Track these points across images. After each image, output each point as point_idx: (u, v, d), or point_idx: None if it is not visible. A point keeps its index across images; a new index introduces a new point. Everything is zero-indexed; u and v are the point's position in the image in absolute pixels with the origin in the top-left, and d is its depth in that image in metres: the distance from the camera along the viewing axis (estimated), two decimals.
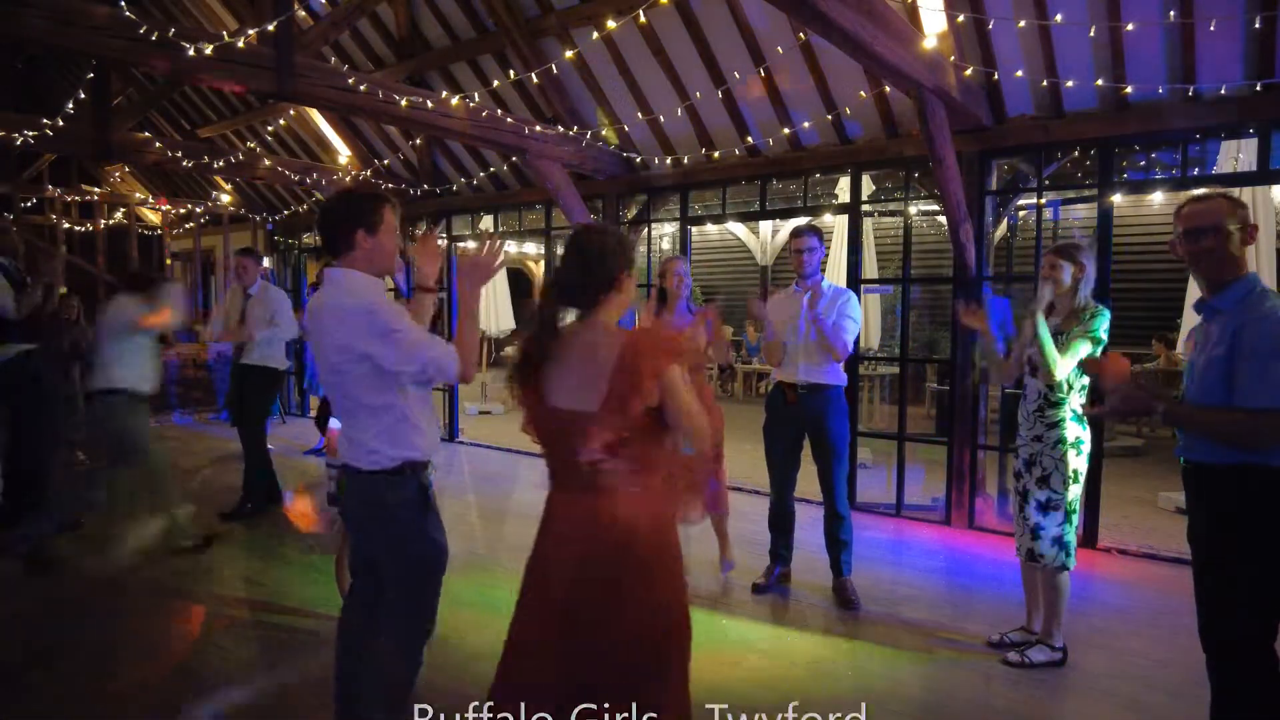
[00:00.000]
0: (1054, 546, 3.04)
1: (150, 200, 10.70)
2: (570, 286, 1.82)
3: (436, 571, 2.27)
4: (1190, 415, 2.11)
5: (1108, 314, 3.00)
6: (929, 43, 3.95)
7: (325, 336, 2.13)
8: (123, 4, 3.76)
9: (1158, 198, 8.74)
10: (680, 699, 1.81)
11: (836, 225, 8.71)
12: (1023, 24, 4.25)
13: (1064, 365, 2.94)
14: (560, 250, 1.89)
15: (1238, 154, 5.35)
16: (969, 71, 4.46)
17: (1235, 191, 2.53)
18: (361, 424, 2.16)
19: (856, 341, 4.21)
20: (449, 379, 2.15)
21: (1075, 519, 3.07)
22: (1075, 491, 3.03)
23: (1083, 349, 2.94)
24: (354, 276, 2.14)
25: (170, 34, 3.83)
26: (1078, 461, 3.01)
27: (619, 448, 1.72)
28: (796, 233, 3.84)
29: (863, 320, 3.95)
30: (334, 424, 3.28)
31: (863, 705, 2.85)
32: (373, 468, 2.16)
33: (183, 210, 10.76)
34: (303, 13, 5.43)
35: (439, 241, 2.41)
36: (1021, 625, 3.35)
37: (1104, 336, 2.96)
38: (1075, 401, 3.03)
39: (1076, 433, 3.01)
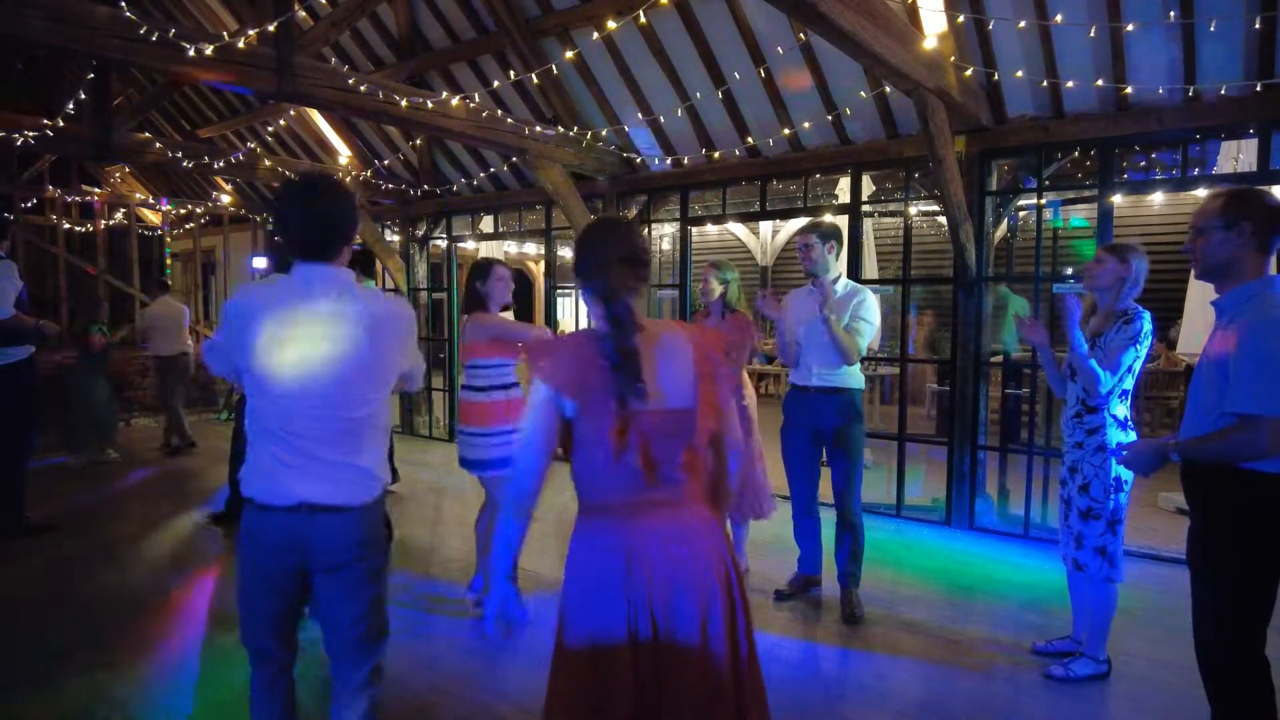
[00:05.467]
0: (1097, 556, 2.94)
1: (150, 200, 10.70)
2: None
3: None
4: (1187, 448, 2.10)
5: (1149, 315, 2.86)
6: (929, 43, 3.95)
7: (347, 347, 1.86)
8: (123, 4, 3.76)
9: (1158, 198, 8.75)
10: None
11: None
12: (1023, 24, 4.25)
13: (1116, 381, 2.85)
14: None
15: (1238, 154, 5.35)
16: (969, 71, 4.46)
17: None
18: (363, 447, 1.91)
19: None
20: (413, 390, 2.17)
21: (1120, 529, 2.94)
22: (1118, 500, 2.92)
23: (1129, 358, 2.83)
24: (355, 282, 1.94)
25: (170, 34, 3.83)
26: (1120, 468, 2.88)
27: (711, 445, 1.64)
28: (799, 231, 3.80)
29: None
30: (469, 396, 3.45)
31: (862, 706, 2.86)
32: (368, 499, 1.92)
33: (183, 210, 10.75)
34: (303, 13, 5.43)
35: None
36: (1066, 634, 3.30)
37: (1144, 341, 2.83)
38: (1117, 408, 2.92)
39: (1118, 439, 2.89)
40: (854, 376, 3.68)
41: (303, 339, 1.84)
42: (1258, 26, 3.84)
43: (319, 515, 1.87)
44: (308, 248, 1.89)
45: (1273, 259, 2.08)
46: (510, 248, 11.87)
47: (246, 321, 1.86)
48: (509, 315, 3.67)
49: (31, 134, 5.92)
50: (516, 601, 1.66)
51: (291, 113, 8.27)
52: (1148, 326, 2.84)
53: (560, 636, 1.63)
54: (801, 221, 7.08)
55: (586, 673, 1.56)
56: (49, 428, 6.32)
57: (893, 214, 7.93)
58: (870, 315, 3.59)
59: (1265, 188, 2.28)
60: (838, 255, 3.75)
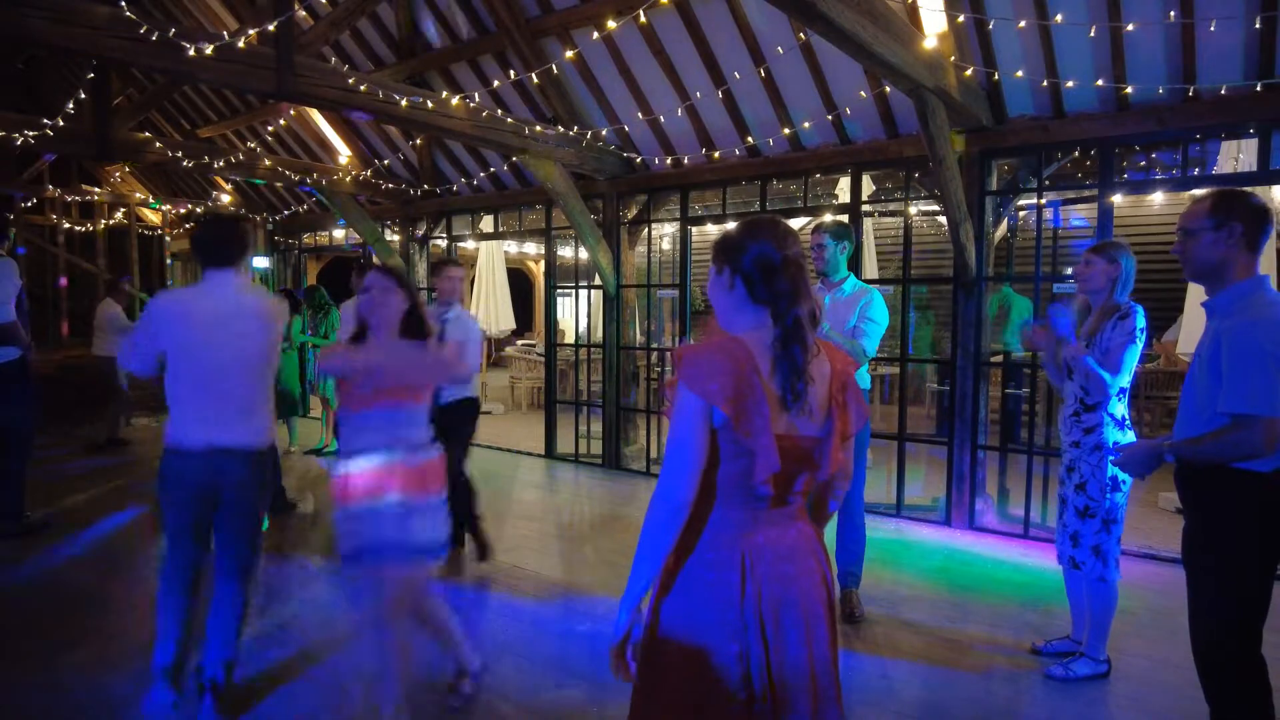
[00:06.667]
0: (1092, 555, 2.94)
1: (150, 200, 10.70)
2: None
3: None
4: (1182, 448, 2.10)
5: (1142, 310, 2.87)
6: (929, 43, 3.95)
7: (255, 331, 2.66)
8: (123, 4, 3.76)
9: (1158, 198, 8.74)
10: None
11: None
12: (1023, 24, 4.25)
13: (1118, 380, 2.85)
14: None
15: (1238, 154, 5.34)
16: (969, 71, 4.46)
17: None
18: (258, 406, 2.68)
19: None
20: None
21: (1117, 529, 2.94)
22: (1115, 499, 2.92)
23: (1131, 358, 2.83)
24: (253, 288, 2.82)
25: (170, 34, 3.83)
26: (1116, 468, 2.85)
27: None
28: (812, 230, 3.78)
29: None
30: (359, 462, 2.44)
31: (862, 706, 2.86)
32: (259, 445, 2.67)
33: (183, 210, 10.75)
34: (303, 13, 5.43)
35: None
36: (1066, 634, 3.29)
37: (1141, 336, 2.83)
38: (1116, 407, 2.92)
39: (1115, 438, 2.89)
40: (860, 378, 3.67)
41: (216, 326, 2.57)
42: (1258, 26, 3.84)
43: (226, 456, 2.59)
44: (214, 260, 2.66)
45: (1259, 259, 2.09)
46: (510, 248, 11.85)
47: (172, 316, 2.58)
48: (432, 342, 2.66)
49: (31, 134, 5.91)
50: (641, 629, 1.55)
51: (291, 113, 8.27)
52: (1142, 322, 2.84)
53: (660, 645, 1.55)
54: (802, 221, 7.10)
55: (693, 686, 1.51)
56: (49, 426, 6.32)
57: (893, 214, 7.93)
58: (878, 316, 3.56)
59: (1257, 188, 2.28)
60: (848, 255, 3.75)
